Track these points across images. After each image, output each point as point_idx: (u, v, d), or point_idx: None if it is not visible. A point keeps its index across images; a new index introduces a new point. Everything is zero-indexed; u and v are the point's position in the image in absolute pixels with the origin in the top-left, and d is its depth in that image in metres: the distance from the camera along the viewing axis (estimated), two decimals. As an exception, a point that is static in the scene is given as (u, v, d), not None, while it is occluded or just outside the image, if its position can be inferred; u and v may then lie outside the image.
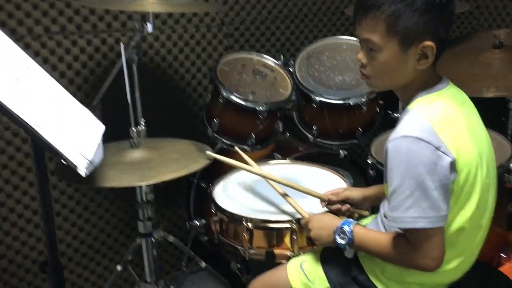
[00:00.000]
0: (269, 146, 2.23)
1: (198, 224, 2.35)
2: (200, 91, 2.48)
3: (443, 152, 1.17)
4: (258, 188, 1.74)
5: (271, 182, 1.61)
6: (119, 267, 2.13)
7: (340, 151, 2.26)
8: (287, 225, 1.50)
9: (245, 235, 1.53)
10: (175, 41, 2.36)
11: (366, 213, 1.58)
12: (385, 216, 1.39)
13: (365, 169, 2.29)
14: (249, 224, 1.52)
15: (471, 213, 1.24)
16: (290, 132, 2.35)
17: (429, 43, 1.20)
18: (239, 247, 1.57)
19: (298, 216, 1.53)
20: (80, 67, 2.16)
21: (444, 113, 1.23)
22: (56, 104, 1.10)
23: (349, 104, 2.12)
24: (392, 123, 2.35)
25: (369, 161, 2.04)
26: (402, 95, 1.32)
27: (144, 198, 1.67)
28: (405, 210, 1.19)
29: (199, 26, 2.39)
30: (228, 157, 1.82)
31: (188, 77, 2.43)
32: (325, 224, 1.40)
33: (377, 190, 1.56)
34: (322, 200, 1.57)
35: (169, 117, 2.39)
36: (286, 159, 2.03)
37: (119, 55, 1.88)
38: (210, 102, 2.16)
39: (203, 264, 2.24)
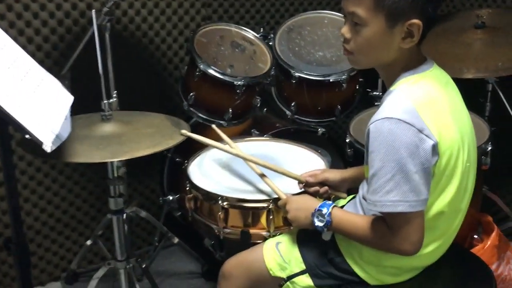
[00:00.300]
0: (246, 122, 2.17)
1: (172, 199, 2.32)
2: (176, 62, 2.39)
3: (426, 135, 1.14)
4: (235, 166, 1.70)
5: (248, 161, 1.57)
6: (89, 242, 2.08)
7: (318, 128, 2.23)
8: (264, 205, 1.47)
9: (220, 214, 1.49)
10: (150, 9, 2.25)
11: (344, 195, 1.55)
12: (364, 199, 1.37)
13: (342, 148, 2.27)
14: (225, 203, 1.48)
15: (451, 197, 1.23)
16: (267, 107, 2.30)
17: (416, 21, 1.16)
18: (213, 226, 1.53)
19: (275, 196, 1.49)
20: (49, 32, 2.05)
21: (428, 95, 1.20)
22: (20, 72, 1.02)
23: (329, 80, 2.08)
24: (370, 101, 2.36)
25: (347, 140, 2.01)
26: (385, 75, 1.29)
27: (116, 174, 1.61)
28: (385, 194, 1.16)
29: (178, -6, 2.29)
30: (204, 132, 1.76)
31: (163, 48, 2.34)
32: (302, 205, 1.37)
33: (355, 172, 1.54)
34: (300, 181, 1.53)
35: (143, 89, 2.31)
36: (264, 136, 1.99)
37: (90, 21, 1.78)
38: (186, 74, 2.08)
39: (176, 240, 2.20)
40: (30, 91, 1.02)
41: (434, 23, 1.20)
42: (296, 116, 2.20)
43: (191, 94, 2.02)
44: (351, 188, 1.57)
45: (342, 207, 1.42)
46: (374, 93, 2.31)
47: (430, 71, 1.23)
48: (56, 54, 2.05)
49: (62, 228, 2.27)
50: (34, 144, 1.00)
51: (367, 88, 2.27)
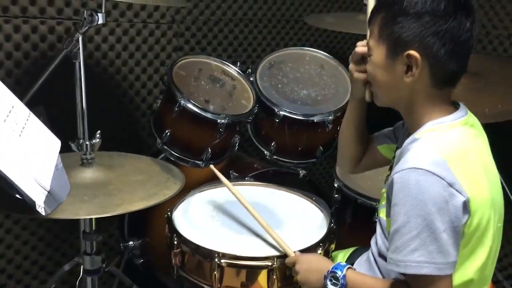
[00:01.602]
0: (222, 162, 2.01)
1: (133, 245, 2.09)
2: (143, 95, 2.20)
3: (457, 190, 1.04)
4: (225, 213, 1.52)
5: (253, 212, 1.39)
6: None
7: (299, 170, 2.10)
8: (267, 263, 1.29)
9: (216, 273, 1.30)
10: (119, 36, 2.06)
11: None
12: (379, 256, 1.24)
13: (322, 191, 2.16)
14: (222, 261, 1.29)
15: (482, 262, 1.12)
16: (240, 146, 2.15)
17: (412, 52, 1.09)
18: (205, 286, 1.34)
19: (278, 251, 1.33)
20: (22, 57, 1.81)
21: (459, 148, 1.10)
22: (2, 111, 0.81)
23: (313, 121, 1.97)
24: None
25: (335, 185, 1.89)
26: (406, 118, 1.21)
27: (93, 227, 1.37)
28: (409, 253, 1.04)
29: (147, 22, 2.12)
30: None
31: (131, 78, 2.14)
32: (314, 267, 1.23)
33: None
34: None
35: (108, 123, 2.08)
36: (247, 179, 1.83)
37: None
38: (161, 109, 1.89)
39: (141, 293, 1.95)
40: (15, 135, 0.80)
41: (443, 63, 1.10)
42: (275, 157, 2.06)
43: (167, 131, 1.82)
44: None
45: (351, 264, 1.28)
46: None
47: (463, 119, 1.14)
48: (27, 80, 1.82)
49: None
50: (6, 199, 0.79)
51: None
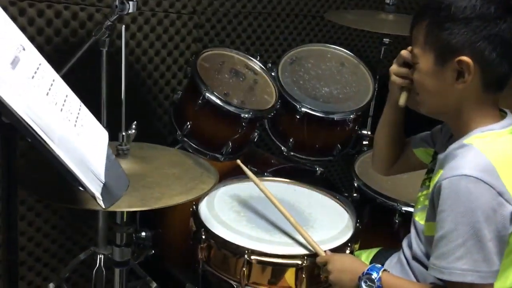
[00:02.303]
0: (240, 157, 1.99)
1: (145, 236, 2.07)
2: (161, 85, 2.17)
3: (506, 200, 1.03)
4: (250, 208, 1.51)
5: (282, 210, 1.39)
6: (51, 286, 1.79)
7: (316, 168, 2.09)
8: (298, 262, 1.28)
9: (245, 270, 1.29)
10: (140, 25, 2.03)
11: None
12: (413, 259, 1.23)
13: (339, 189, 2.16)
14: (252, 257, 1.28)
15: None
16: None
17: (464, 58, 1.07)
18: (233, 282, 1.33)
19: (307, 250, 1.33)
20: (44, 42, 1.78)
21: (509, 156, 1.09)
22: (58, 99, 0.79)
23: (334, 119, 1.96)
24: (359, 140, 2.27)
25: (355, 184, 1.89)
26: (453, 124, 1.19)
27: (125, 219, 1.36)
28: (454, 260, 1.03)
29: (169, 11, 2.09)
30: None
31: (150, 68, 2.12)
32: (348, 267, 1.23)
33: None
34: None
35: (126, 113, 2.06)
36: (269, 175, 1.82)
37: (90, 33, 1.54)
38: (182, 101, 1.87)
39: (154, 285, 1.94)
40: (71, 125, 0.79)
41: (495, 67, 1.08)
42: (292, 153, 2.05)
43: (188, 123, 1.81)
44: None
45: (381, 264, 1.27)
46: (363, 131, 2.23)
47: (510, 128, 1.12)
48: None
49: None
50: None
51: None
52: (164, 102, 2.19)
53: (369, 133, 2.24)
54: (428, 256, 1.17)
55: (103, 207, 0.73)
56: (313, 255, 1.30)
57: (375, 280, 1.15)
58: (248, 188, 1.59)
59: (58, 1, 1.79)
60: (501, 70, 1.09)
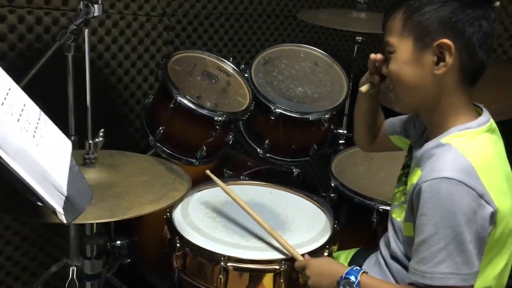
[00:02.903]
0: (215, 160, 1.96)
1: (120, 245, 2.02)
2: (132, 89, 2.12)
3: (486, 201, 1.02)
4: (225, 213, 1.48)
5: (256, 217, 1.36)
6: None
7: (293, 169, 2.07)
8: (275, 266, 1.26)
9: (221, 277, 1.26)
10: (108, 29, 1.98)
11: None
12: (391, 258, 1.22)
13: (316, 189, 2.14)
14: (228, 264, 1.25)
15: (500, 270, 1.11)
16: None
17: (445, 40, 1.04)
18: (209, 291, 1.30)
19: (281, 255, 1.30)
20: (7, 48, 1.72)
21: (486, 155, 1.08)
22: (15, 109, 0.74)
23: (309, 119, 1.94)
24: (335, 139, 2.26)
25: (332, 184, 1.87)
26: (430, 121, 1.15)
27: (95, 230, 1.31)
28: (436, 264, 1.01)
29: (137, 14, 2.04)
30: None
31: (120, 72, 2.07)
32: (325, 271, 1.20)
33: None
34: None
35: (96, 118, 2.01)
36: (242, 178, 1.79)
37: (55, 38, 1.49)
38: (154, 105, 1.83)
39: (130, 295, 1.89)
40: (29, 136, 0.74)
41: (476, 54, 1.06)
42: (268, 155, 2.03)
43: (160, 128, 1.77)
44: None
45: (358, 265, 1.25)
46: (339, 130, 2.22)
47: (486, 126, 1.10)
48: (13, 74, 1.71)
49: None
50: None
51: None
52: (135, 106, 2.14)
53: (345, 132, 2.23)
54: (406, 255, 1.16)
55: (65, 222, 0.69)
56: (291, 259, 1.28)
57: (354, 284, 1.13)
58: (223, 193, 1.56)
59: (21, 6, 1.73)
60: (478, 57, 1.07)
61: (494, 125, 1.14)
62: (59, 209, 0.69)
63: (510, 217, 1.08)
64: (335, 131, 2.18)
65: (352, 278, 1.13)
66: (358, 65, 2.81)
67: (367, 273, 1.16)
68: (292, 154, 2.05)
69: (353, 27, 2.17)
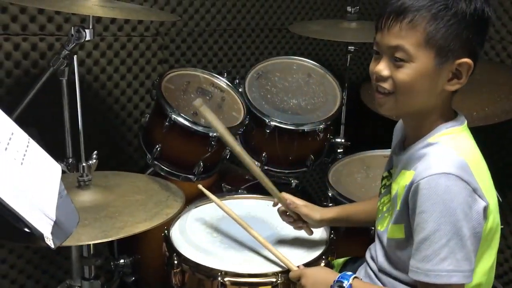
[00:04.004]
0: (214, 175, 1.98)
1: (124, 263, 2.04)
2: (129, 109, 2.15)
3: (479, 196, 1.03)
4: (223, 229, 1.49)
5: (250, 231, 1.37)
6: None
7: (291, 180, 2.09)
8: (272, 279, 1.27)
9: (219, 292, 1.27)
10: (103, 51, 2.02)
11: (311, 232, 1.45)
12: (380, 271, 1.22)
13: (315, 200, 2.15)
14: (225, 279, 1.26)
15: (489, 265, 1.12)
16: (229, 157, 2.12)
17: (467, 60, 1.04)
18: (208, 306, 1.31)
19: (281, 267, 1.31)
20: (4, 75, 1.76)
21: (474, 152, 1.10)
22: (2, 138, 0.77)
23: (304, 130, 1.96)
24: (333, 149, 2.27)
25: (329, 194, 1.88)
26: (417, 124, 1.14)
27: (92, 251, 1.33)
28: (440, 262, 1.01)
29: (131, 35, 2.08)
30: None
31: (116, 93, 2.10)
32: (320, 279, 1.21)
33: (335, 214, 1.44)
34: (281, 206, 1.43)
35: (94, 139, 2.04)
36: (243, 192, 1.80)
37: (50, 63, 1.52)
38: (150, 124, 1.86)
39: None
40: (17, 163, 0.77)
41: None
42: (266, 167, 2.04)
43: (157, 146, 1.79)
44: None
45: None
46: (337, 140, 2.24)
47: (465, 124, 1.13)
48: (10, 99, 1.76)
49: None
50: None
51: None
52: (133, 126, 2.17)
53: (342, 141, 2.24)
54: (395, 267, 1.17)
55: (52, 246, 0.71)
56: (288, 271, 1.29)
57: (346, 286, 1.14)
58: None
59: (16, 34, 1.77)
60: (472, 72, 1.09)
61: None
62: (47, 234, 0.71)
63: (496, 212, 1.09)
64: (333, 140, 2.21)
65: (345, 282, 1.15)
66: (353, 73, 2.84)
67: (359, 278, 1.18)
68: (289, 165, 2.06)
69: (345, 37, 2.19)
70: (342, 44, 2.57)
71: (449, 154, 1.05)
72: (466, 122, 1.14)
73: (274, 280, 1.26)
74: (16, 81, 1.79)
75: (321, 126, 1.94)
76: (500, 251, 2.35)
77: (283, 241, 1.45)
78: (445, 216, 1.00)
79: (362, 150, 2.12)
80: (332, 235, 1.46)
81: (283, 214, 1.45)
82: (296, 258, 1.34)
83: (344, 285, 1.15)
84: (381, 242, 1.21)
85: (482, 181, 1.05)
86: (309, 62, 2.15)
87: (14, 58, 1.78)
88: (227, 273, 1.27)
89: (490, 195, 1.08)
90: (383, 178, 1.29)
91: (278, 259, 1.31)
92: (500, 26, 2.39)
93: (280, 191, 1.94)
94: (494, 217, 1.08)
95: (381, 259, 1.22)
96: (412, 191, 1.05)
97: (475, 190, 1.02)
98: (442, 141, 1.08)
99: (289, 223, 1.45)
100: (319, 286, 1.20)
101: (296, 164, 2.07)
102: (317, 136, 1.97)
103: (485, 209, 1.04)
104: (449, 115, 1.13)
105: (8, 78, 1.78)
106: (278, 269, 1.31)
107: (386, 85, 1.09)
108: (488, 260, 1.11)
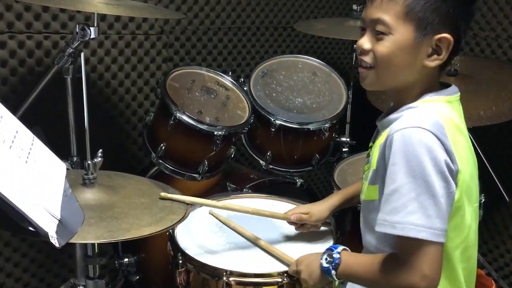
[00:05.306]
0: (218, 174, 1.97)
1: (128, 262, 2.03)
2: (134, 108, 2.15)
3: (452, 160, 1.01)
4: (227, 228, 1.49)
5: (238, 229, 1.38)
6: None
7: (297, 179, 2.07)
8: (277, 279, 1.26)
9: (224, 292, 1.26)
10: (108, 49, 2.01)
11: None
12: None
13: (319, 198, 2.13)
14: (230, 279, 1.25)
15: (462, 239, 1.10)
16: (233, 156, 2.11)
17: (447, 35, 1.04)
18: (213, 306, 1.30)
19: (284, 267, 1.30)
20: (8, 73, 1.75)
21: (453, 118, 1.08)
22: (7, 136, 0.76)
23: (309, 129, 1.94)
24: (338, 147, 2.26)
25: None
26: (400, 98, 1.13)
27: (96, 250, 1.32)
28: (407, 215, 0.99)
29: (136, 33, 2.07)
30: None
31: (121, 91, 2.09)
32: (313, 259, 1.21)
33: (338, 202, 1.46)
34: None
35: (99, 138, 2.03)
36: (248, 191, 1.80)
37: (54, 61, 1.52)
38: (154, 122, 1.85)
39: (139, 312, 1.90)
40: (22, 162, 0.76)
41: (460, 47, 1.10)
42: (271, 166, 2.03)
43: (162, 145, 1.78)
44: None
45: None
46: (342, 138, 2.23)
47: (456, 96, 1.12)
48: (15, 98, 1.76)
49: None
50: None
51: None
52: (138, 124, 2.16)
53: (348, 140, 2.24)
54: (370, 229, 1.16)
55: (57, 245, 0.70)
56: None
57: (334, 255, 1.15)
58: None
59: (20, 32, 1.76)
60: (460, 48, 1.09)
61: (460, 105, 1.14)
62: (51, 233, 0.71)
63: (467, 185, 1.07)
64: (338, 139, 2.20)
65: (334, 250, 1.16)
66: (359, 72, 2.82)
67: (348, 250, 1.18)
68: (294, 164, 2.05)
69: (350, 35, 2.17)
70: (347, 42, 2.56)
71: (427, 113, 1.05)
72: (456, 95, 1.12)
73: (279, 280, 1.25)
74: (20, 79, 1.78)
75: (326, 125, 1.93)
76: (502, 242, 2.36)
77: (288, 240, 1.44)
78: (416, 170, 0.98)
79: (367, 149, 2.10)
80: (338, 234, 1.45)
81: (298, 228, 1.46)
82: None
83: (333, 253, 1.15)
84: (361, 207, 1.22)
85: (456, 147, 1.03)
86: (314, 61, 2.14)
87: (19, 56, 1.77)
88: (232, 273, 1.26)
89: (465, 165, 1.05)
90: (368, 148, 1.28)
91: (277, 256, 1.32)
92: (507, 24, 2.37)
93: (285, 190, 1.95)
94: (463, 190, 1.05)
95: (362, 226, 1.23)
96: (387, 145, 1.04)
97: (448, 153, 1.00)
98: (422, 105, 1.08)
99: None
100: (312, 264, 1.19)
101: (301, 163, 2.05)
102: (322, 135, 1.96)
103: (456, 174, 1.02)
104: (436, 88, 1.12)
105: (12, 76, 1.77)
106: (283, 269, 1.29)
107: (367, 58, 1.10)
108: (460, 235, 1.09)
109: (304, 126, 1.92)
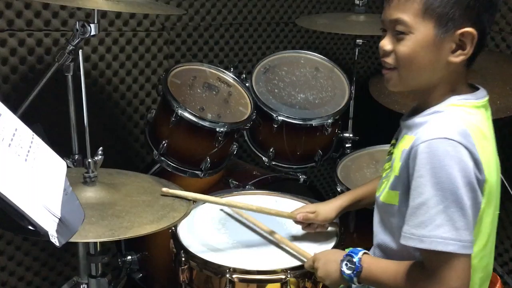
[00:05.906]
0: (221, 171, 1.96)
1: (131, 260, 2.03)
2: (135, 105, 2.14)
3: (479, 169, 0.99)
4: (231, 222, 1.48)
5: (256, 223, 1.36)
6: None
7: (299, 176, 2.06)
8: (281, 276, 1.25)
9: (227, 289, 1.25)
10: (109, 46, 2.00)
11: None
12: (377, 246, 1.19)
13: (323, 196, 2.13)
14: (234, 276, 1.24)
15: (481, 246, 1.07)
16: (236, 152, 2.10)
17: (470, 30, 1.02)
18: (216, 303, 1.29)
19: (293, 264, 1.29)
20: (9, 71, 1.74)
21: (481, 126, 1.05)
22: (6, 134, 0.76)
23: (312, 125, 1.93)
24: (341, 143, 2.25)
25: (338, 189, 1.86)
26: (425, 98, 1.11)
27: (98, 248, 1.31)
28: (435, 228, 0.97)
29: (137, 30, 2.06)
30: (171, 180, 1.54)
31: (122, 88, 2.08)
32: (331, 258, 1.19)
33: (347, 203, 1.43)
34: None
35: (100, 135, 2.02)
36: (251, 188, 1.78)
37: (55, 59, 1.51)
38: (156, 119, 1.84)
39: (143, 310, 1.90)
40: (21, 160, 0.75)
41: (485, 41, 1.07)
42: (274, 162, 2.02)
43: (163, 142, 1.77)
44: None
45: None
46: (345, 134, 2.22)
47: (484, 100, 1.09)
48: (16, 96, 1.74)
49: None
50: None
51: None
52: (140, 122, 2.15)
53: (351, 135, 2.22)
54: (389, 230, 1.14)
55: (57, 244, 0.69)
56: (297, 268, 1.27)
57: (355, 261, 1.12)
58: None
59: (20, 29, 1.75)
60: (485, 43, 1.07)
61: (488, 104, 1.12)
62: (52, 232, 0.70)
63: (493, 192, 1.05)
64: (341, 135, 2.18)
65: (355, 256, 1.13)
66: (362, 67, 2.81)
67: (368, 253, 1.16)
68: (297, 161, 2.04)
69: (353, 30, 2.16)
70: (350, 37, 2.54)
71: (453, 121, 1.02)
72: (485, 99, 1.09)
73: (283, 277, 1.24)
74: (21, 77, 1.77)
75: (329, 121, 1.92)
76: (507, 238, 2.34)
77: (292, 237, 1.43)
78: (444, 182, 0.97)
79: (370, 144, 2.10)
80: (342, 230, 1.44)
81: (305, 228, 1.44)
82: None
83: (353, 259, 1.13)
84: (377, 207, 1.18)
85: (483, 156, 1.01)
86: (316, 56, 2.12)
87: (19, 54, 1.76)
88: (235, 270, 1.25)
89: (491, 174, 1.04)
90: (390, 146, 1.25)
91: (294, 250, 1.30)
92: (511, 17, 2.35)
93: (288, 187, 1.94)
94: (491, 196, 1.04)
95: (377, 225, 1.19)
96: (412, 155, 1.02)
97: (476, 162, 0.99)
98: (449, 110, 1.05)
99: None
100: (330, 264, 1.18)
101: (304, 159, 2.04)
102: (325, 131, 1.95)
103: (483, 183, 1.01)
104: (464, 89, 1.09)
105: (13, 74, 1.76)
106: (287, 265, 1.28)
107: (390, 60, 1.08)
108: (480, 242, 1.07)
109: (307, 122, 1.91)
